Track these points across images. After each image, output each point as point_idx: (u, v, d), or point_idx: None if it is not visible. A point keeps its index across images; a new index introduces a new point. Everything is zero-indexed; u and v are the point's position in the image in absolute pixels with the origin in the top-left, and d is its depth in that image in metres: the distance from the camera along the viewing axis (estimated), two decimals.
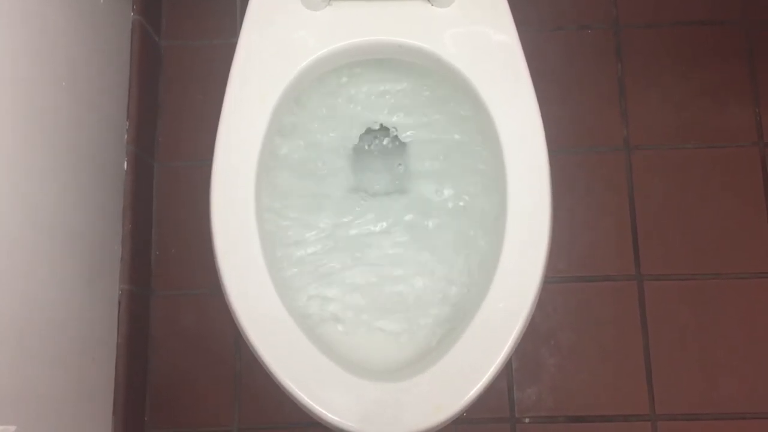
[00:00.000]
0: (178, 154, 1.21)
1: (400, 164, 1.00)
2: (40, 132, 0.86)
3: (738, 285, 1.14)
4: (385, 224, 0.95)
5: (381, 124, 0.97)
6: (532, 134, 0.83)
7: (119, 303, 1.07)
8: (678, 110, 1.21)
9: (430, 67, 0.88)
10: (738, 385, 1.11)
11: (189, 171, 1.20)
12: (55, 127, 0.90)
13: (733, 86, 1.21)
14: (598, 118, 1.21)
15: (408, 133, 0.97)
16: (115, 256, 1.07)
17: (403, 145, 0.98)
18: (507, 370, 1.13)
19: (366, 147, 1.01)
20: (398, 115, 0.97)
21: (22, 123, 0.82)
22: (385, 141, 1.02)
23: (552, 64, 1.23)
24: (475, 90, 0.84)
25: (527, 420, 1.11)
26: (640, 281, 1.15)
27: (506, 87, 0.85)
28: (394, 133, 0.97)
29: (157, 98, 1.23)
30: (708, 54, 1.23)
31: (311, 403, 0.75)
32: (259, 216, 0.81)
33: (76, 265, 0.95)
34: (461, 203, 0.94)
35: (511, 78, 0.85)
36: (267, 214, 0.88)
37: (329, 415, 0.75)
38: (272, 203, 0.91)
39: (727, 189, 1.18)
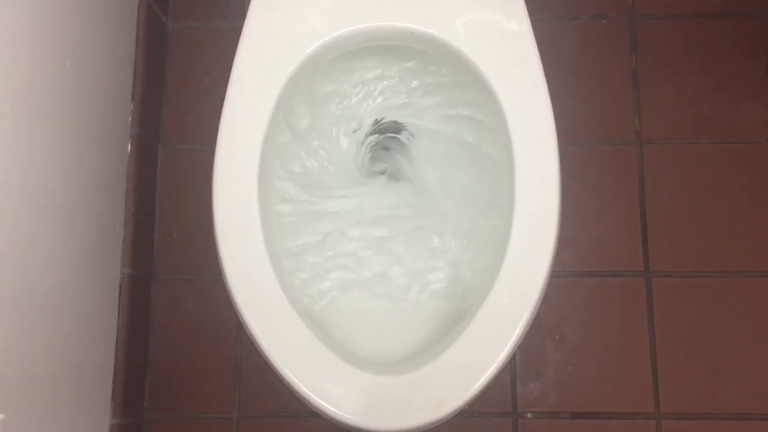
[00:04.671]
0: (183, 138, 1.20)
1: (405, 152, 0.99)
2: (41, 112, 0.85)
3: (748, 284, 1.12)
4: (390, 212, 0.94)
5: (387, 116, 0.95)
6: (543, 124, 0.81)
7: (120, 287, 1.06)
8: (692, 104, 1.19)
9: (439, 54, 0.87)
10: (745, 385, 1.09)
11: (193, 155, 1.19)
12: (57, 108, 0.89)
13: (750, 81, 1.19)
14: (610, 110, 1.19)
15: (415, 122, 0.95)
16: (117, 240, 1.06)
17: (410, 134, 0.97)
18: (510, 364, 1.11)
19: (372, 136, 1.00)
20: (405, 103, 0.95)
21: (23, 103, 0.81)
22: (392, 130, 1.00)
23: (565, 54, 1.21)
24: (485, 78, 0.83)
25: (530, 415, 1.10)
26: (648, 277, 1.13)
27: (517, 76, 0.83)
28: (400, 124, 0.96)
29: (162, 80, 1.22)
30: (725, 47, 1.20)
31: (311, 395, 0.74)
32: (262, 202, 0.80)
33: (77, 247, 0.94)
34: (468, 195, 0.93)
35: (522, 67, 0.83)
36: (268, 202, 0.87)
37: (329, 407, 0.74)
38: (275, 189, 0.90)
39: (740, 186, 1.16)
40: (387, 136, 0.99)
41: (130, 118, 1.11)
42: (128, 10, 1.12)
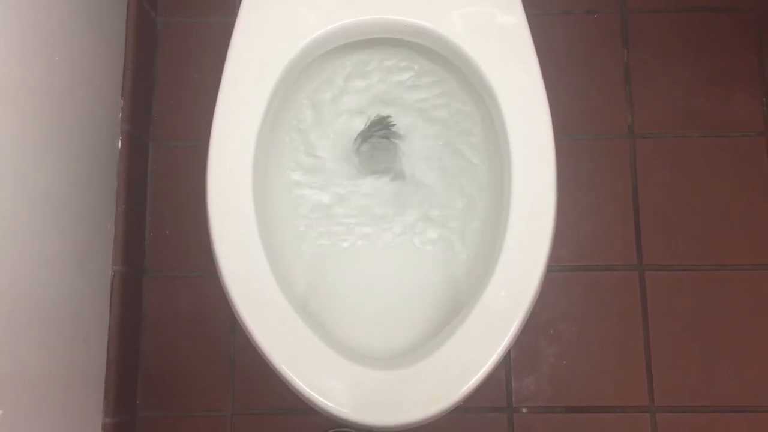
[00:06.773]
0: (174, 134, 1.19)
1: (400, 146, 0.99)
2: (31, 108, 0.84)
3: (741, 277, 1.13)
4: (385, 208, 0.93)
5: (381, 111, 0.95)
6: (539, 118, 0.81)
7: (112, 284, 1.05)
8: (684, 98, 1.19)
9: (435, 47, 0.86)
10: (738, 378, 1.10)
11: (185, 150, 1.18)
12: (47, 103, 0.88)
13: (742, 75, 1.19)
14: (602, 105, 1.19)
15: (410, 117, 0.95)
16: (108, 237, 1.05)
17: (406, 128, 0.97)
18: (505, 359, 1.11)
19: (367, 130, 1.00)
20: (399, 97, 0.95)
21: (12, 98, 0.80)
22: (386, 125, 1.00)
23: (557, 49, 1.21)
24: (481, 72, 0.82)
25: (525, 410, 1.10)
26: (641, 271, 1.13)
27: (513, 69, 0.83)
28: (393, 123, 0.95)
29: (152, 76, 1.20)
30: (717, 41, 1.20)
31: (306, 388, 0.74)
32: (257, 198, 0.80)
33: (68, 244, 0.93)
34: (464, 187, 0.92)
35: (518, 60, 0.83)
36: (264, 194, 0.86)
37: (324, 401, 0.74)
38: (272, 182, 0.89)
39: (733, 179, 1.16)
40: (382, 130, 0.99)
41: (121, 114, 1.10)
42: (117, 5, 1.11)
